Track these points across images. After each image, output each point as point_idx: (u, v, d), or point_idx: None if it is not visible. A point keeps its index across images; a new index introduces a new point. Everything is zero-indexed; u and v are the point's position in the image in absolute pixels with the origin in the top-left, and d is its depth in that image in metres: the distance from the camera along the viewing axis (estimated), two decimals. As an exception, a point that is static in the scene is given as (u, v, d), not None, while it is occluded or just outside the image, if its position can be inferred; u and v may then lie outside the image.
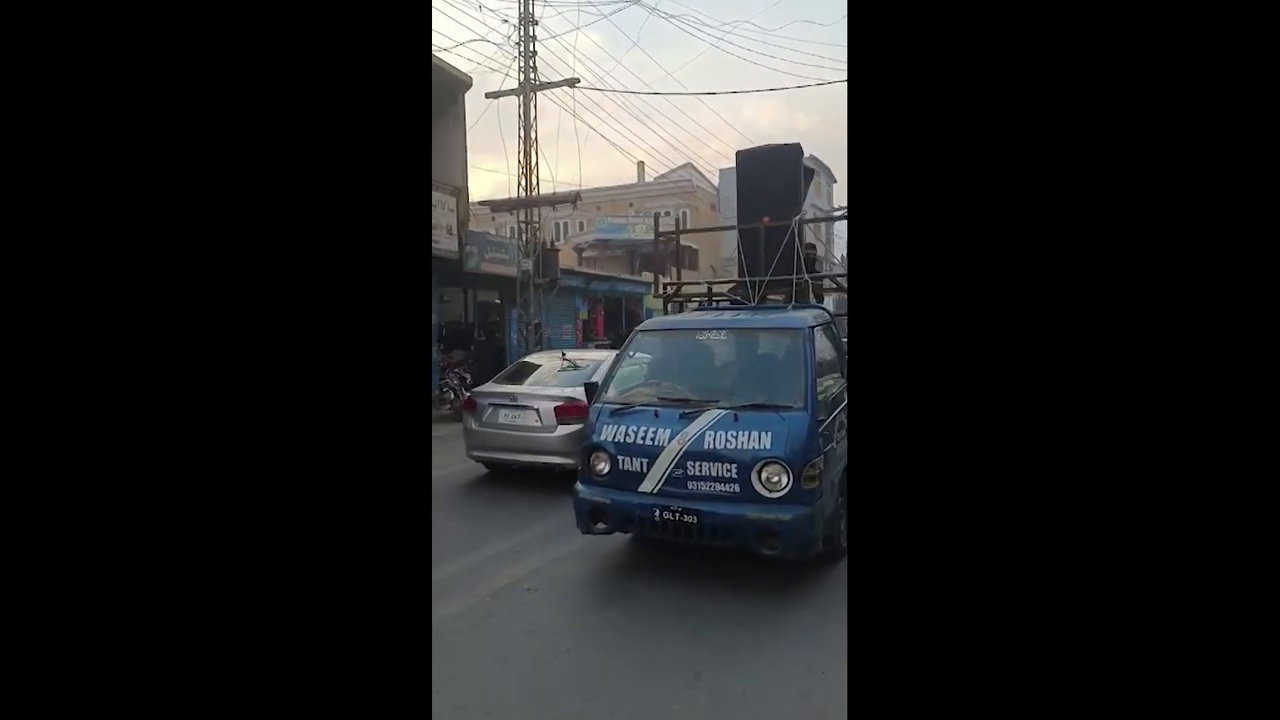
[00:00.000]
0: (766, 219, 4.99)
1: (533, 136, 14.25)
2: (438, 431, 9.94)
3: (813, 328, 4.06)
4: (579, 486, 3.98)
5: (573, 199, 14.96)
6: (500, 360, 14.22)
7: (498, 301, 15.66)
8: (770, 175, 5.10)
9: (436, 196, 12.31)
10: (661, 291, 5.71)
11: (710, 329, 4.36)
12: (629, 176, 30.46)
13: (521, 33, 14.23)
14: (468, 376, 12.13)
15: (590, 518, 3.89)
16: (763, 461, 3.55)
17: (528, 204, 14.38)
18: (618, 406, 4.01)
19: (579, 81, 14.32)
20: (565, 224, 26.09)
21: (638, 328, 4.65)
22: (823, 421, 3.68)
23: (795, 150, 5.17)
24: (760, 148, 5.37)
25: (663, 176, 28.20)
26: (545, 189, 14.67)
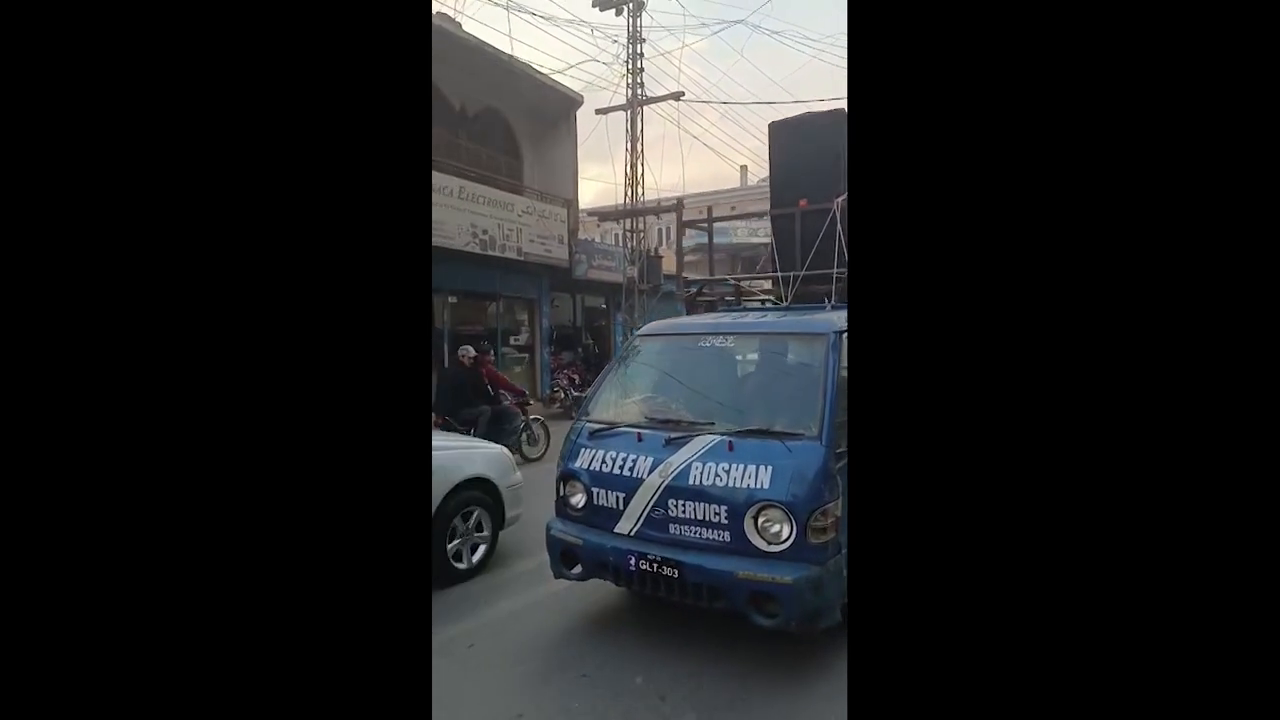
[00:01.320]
0: (804, 202, 3.81)
1: (639, 149, 13.76)
2: (550, 428, 9.69)
3: (841, 333, 2.91)
4: (552, 521, 3.09)
5: (675, 208, 14.30)
6: (604, 363, 13.81)
7: (603, 306, 15.30)
8: (809, 150, 3.90)
9: (548, 209, 12.19)
10: (684, 291, 4.57)
11: (717, 334, 3.30)
12: (731, 180, 28.93)
13: (630, 50, 13.76)
14: (576, 377, 12.24)
15: (563, 560, 2.99)
16: (758, 504, 2.52)
17: (633, 214, 13.92)
18: (599, 427, 3.07)
19: (684, 95, 13.74)
20: (668, 229, 25.21)
21: (637, 331, 3.65)
22: (843, 455, 2.56)
23: (837, 118, 3.93)
24: (797, 117, 4.15)
25: (765, 179, 26.59)
26: (649, 194, 14.18)
